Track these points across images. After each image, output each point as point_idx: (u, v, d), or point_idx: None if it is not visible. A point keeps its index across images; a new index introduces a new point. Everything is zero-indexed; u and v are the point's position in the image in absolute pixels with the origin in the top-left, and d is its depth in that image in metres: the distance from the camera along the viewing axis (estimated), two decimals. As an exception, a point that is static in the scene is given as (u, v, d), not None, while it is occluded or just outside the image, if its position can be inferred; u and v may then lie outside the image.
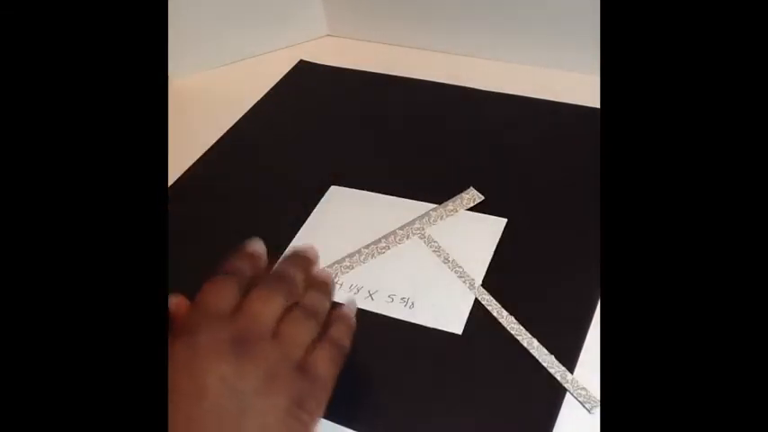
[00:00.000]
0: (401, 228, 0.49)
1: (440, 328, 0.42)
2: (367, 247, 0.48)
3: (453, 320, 0.42)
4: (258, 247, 0.39)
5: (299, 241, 0.49)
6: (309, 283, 0.38)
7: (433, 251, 0.47)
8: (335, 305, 0.38)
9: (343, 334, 0.36)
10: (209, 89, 0.67)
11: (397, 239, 0.48)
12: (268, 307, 0.34)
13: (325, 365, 0.34)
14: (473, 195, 0.50)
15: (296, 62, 0.68)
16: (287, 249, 0.48)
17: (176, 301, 0.38)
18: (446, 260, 0.46)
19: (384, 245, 0.48)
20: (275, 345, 0.33)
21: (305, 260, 0.39)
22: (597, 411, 0.38)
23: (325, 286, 0.38)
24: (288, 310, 0.35)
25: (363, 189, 0.53)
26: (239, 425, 0.30)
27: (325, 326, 0.36)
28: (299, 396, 0.32)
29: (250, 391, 0.31)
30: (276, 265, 0.38)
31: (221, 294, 0.34)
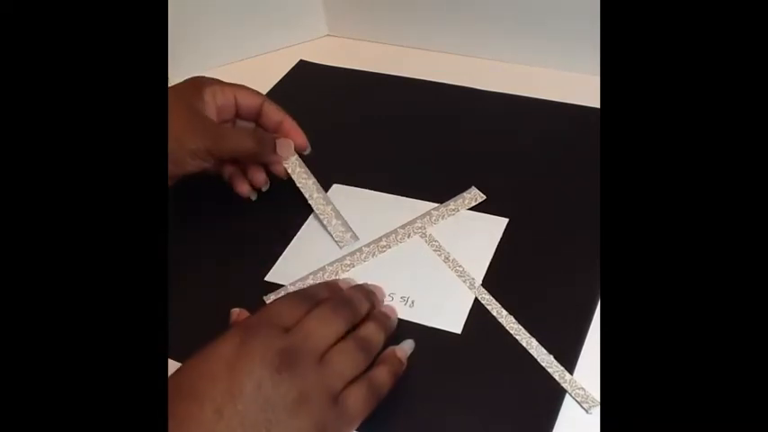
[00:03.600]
0: (402, 227, 0.49)
1: (439, 327, 0.42)
2: (368, 245, 0.48)
3: (453, 320, 0.43)
4: (344, 282, 0.41)
5: (301, 240, 0.49)
6: (372, 315, 0.39)
7: (434, 250, 0.47)
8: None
9: (386, 378, 0.37)
10: (210, 89, 0.67)
11: (397, 238, 0.48)
12: (324, 329, 0.35)
13: (358, 404, 0.34)
14: (474, 195, 0.50)
15: (296, 62, 0.68)
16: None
17: (238, 312, 0.40)
18: (446, 259, 0.46)
19: (385, 243, 0.48)
20: (318, 369, 0.33)
21: (373, 294, 0.40)
22: (595, 411, 0.38)
23: (386, 320, 0.40)
24: (343, 336, 0.36)
25: (364, 188, 0.53)
26: None
27: (375, 362, 0.37)
28: (323, 425, 0.32)
29: (280, 406, 0.31)
30: (346, 290, 0.40)
31: (287, 309, 0.36)
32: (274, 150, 0.50)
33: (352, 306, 0.38)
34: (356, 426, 0.35)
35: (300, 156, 0.52)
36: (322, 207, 0.49)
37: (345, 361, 0.35)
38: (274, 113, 0.51)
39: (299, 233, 0.50)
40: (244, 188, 0.51)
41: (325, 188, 0.52)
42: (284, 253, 0.48)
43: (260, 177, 0.51)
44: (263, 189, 0.52)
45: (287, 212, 0.51)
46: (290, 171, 0.51)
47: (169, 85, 0.50)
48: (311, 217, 0.51)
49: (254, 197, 0.52)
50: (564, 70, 0.61)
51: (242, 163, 0.51)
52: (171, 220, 0.51)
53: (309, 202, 0.50)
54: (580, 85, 0.58)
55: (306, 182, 0.50)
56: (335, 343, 0.35)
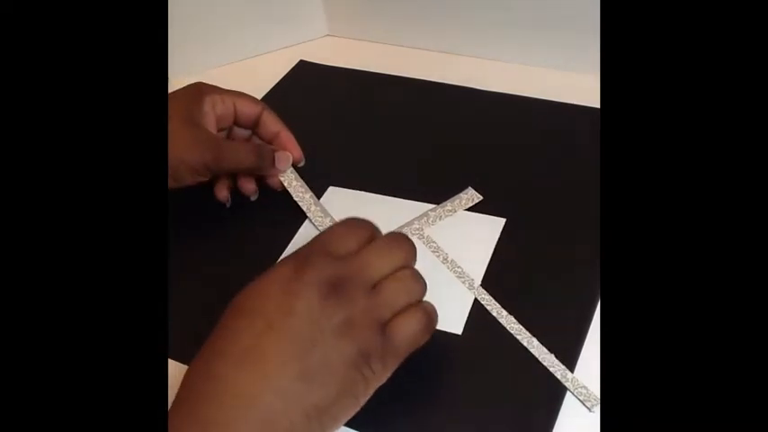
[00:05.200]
0: (399, 228, 0.49)
1: (440, 328, 0.42)
2: (366, 247, 0.48)
3: (453, 320, 0.43)
4: None
5: (297, 243, 0.49)
6: None
7: (432, 251, 0.47)
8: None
9: (434, 314, 0.37)
10: (209, 89, 0.67)
11: (396, 239, 0.48)
12: (380, 261, 0.36)
13: (407, 335, 0.35)
14: (471, 195, 0.50)
15: (296, 62, 0.68)
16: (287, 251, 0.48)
17: None
18: (445, 260, 0.46)
19: (384, 245, 0.48)
20: (368, 297, 0.34)
21: None
22: (598, 410, 0.38)
23: None
24: (398, 269, 0.36)
25: (362, 189, 0.53)
26: (307, 352, 0.32)
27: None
28: (368, 351, 0.33)
29: (327, 328, 0.33)
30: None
31: (345, 238, 0.36)
32: (273, 164, 0.50)
33: (410, 244, 0.37)
34: (401, 357, 0.35)
35: (295, 166, 0.52)
36: (320, 219, 0.49)
37: (399, 289, 0.35)
38: (272, 124, 0.52)
39: (296, 235, 0.50)
40: (222, 194, 0.52)
41: (322, 191, 0.52)
42: (282, 255, 0.48)
43: (250, 187, 0.52)
44: (252, 199, 0.52)
45: (286, 214, 0.51)
46: (286, 184, 0.51)
47: (170, 89, 0.50)
48: (307, 220, 0.51)
49: (228, 204, 0.52)
50: (564, 70, 0.61)
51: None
52: (171, 222, 0.51)
53: (308, 215, 0.50)
54: (580, 85, 0.58)
55: (303, 195, 0.51)
56: (389, 275, 0.35)
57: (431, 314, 0.36)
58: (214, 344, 0.33)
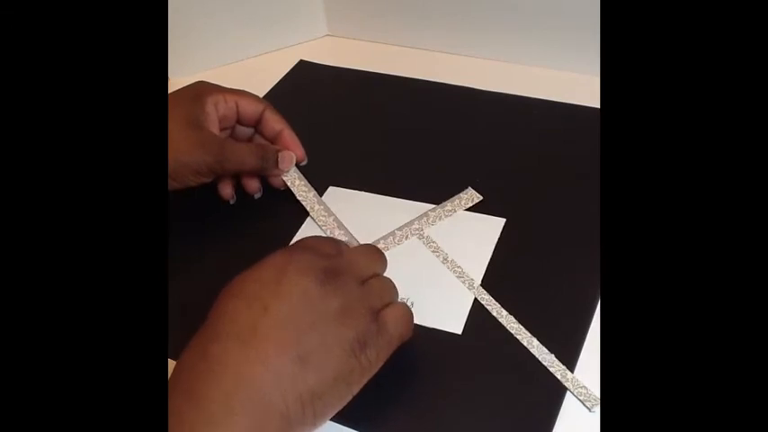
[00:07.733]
0: (400, 228, 0.49)
1: (440, 327, 0.42)
2: (367, 247, 0.48)
3: (453, 320, 0.43)
4: None
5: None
6: None
7: (432, 251, 0.47)
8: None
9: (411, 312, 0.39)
10: (209, 89, 0.67)
11: (395, 240, 0.48)
12: (367, 261, 0.38)
13: (398, 323, 0.36)
14: (471, 195, 0.50)
15: (296, 62, 0.68)
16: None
17: None
18: (445, 260, 0.46)
19: (383, 246, 0.48)
20: (360, 288, 0.35)
21: None
22: (598, 410, 0.38)
23: None
24: (376, 274, 0.38)
25: (362, 189, 0.53)
26: (305, 336, 0.33)
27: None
28: (364, 337, 0.34)
29: (324, 313, 0.34)
30: None
31: (325, 244, 0.38)
32: (276, 165, 0.50)
33: (384, 256, 0.39)
34: (393, 346, 0.36)
35: (297, 165, 0.52)
36: (324, 218, 0.49)
37: (384, 287, 0.37)
38: (275, 122, 0.52)
39: (298, 233, 0.50)
40: (227, 192, 0.52)
41: (323, 191, 0.52)
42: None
43: (253, 185, 0.52)
44: (256, 197, 0.52)
45: (287, 212, 0.51)
46: (289, 184, 0.51)
47: (170, 88, 0.50)
48: (308, 219, 0.51)
49: (233, 201, 0.52)
50: (564, 70, 0.61)
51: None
52: (171, 221, 0.51)
53: (311, 214, 0.50)
54: (580, 85, 0.58)
55: (306, 194, 0.51)
56: (374, 275, 0.37)
57: (411, 311, 0.38)
58: (211, 326, 0.34)
